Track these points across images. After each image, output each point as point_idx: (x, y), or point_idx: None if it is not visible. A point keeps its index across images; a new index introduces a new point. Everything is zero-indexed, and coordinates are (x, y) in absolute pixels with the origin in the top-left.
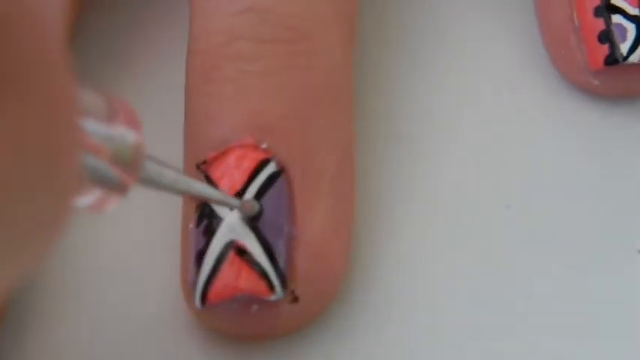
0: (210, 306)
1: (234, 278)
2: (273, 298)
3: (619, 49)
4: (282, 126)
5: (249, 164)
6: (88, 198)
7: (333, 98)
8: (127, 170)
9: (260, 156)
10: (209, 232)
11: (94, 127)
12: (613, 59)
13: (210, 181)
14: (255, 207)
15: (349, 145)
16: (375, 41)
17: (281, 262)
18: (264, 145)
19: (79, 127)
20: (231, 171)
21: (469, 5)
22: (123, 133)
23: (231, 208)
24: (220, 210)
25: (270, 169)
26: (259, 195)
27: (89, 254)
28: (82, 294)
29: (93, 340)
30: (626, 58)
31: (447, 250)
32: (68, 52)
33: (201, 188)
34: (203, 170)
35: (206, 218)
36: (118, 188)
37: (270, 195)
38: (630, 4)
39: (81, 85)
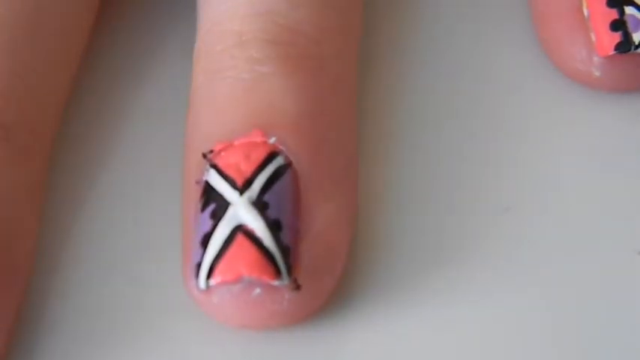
0: (214, 286)
1: (242, 260)
2: (277, 282)
3: (631, 37)
4: (291, 122)
5: (257, 155)
6: None
7: (340, 102)
8: None
9: (269, 149)
10: (217, 216)
11: None
12: (625, 46)
13: (217, 169)
14: None
15: (354, 146)
16: (374, 40)
17: (288, 250)
18: (272, 140)
19: None
20: (239, 161)
21: (466, 5)
22: None
23: None
24: (229, 194)
25: (279, 162)
26: (267, 186)
27: (87, 246)
28: (78, 286)
29: (90, 330)
30: (638, 46)
31: (446, 251)
32: None
33: None
34: (209, 160)
35: (213, 202)
36: None
37: (277, 187)
38: None
39: None
